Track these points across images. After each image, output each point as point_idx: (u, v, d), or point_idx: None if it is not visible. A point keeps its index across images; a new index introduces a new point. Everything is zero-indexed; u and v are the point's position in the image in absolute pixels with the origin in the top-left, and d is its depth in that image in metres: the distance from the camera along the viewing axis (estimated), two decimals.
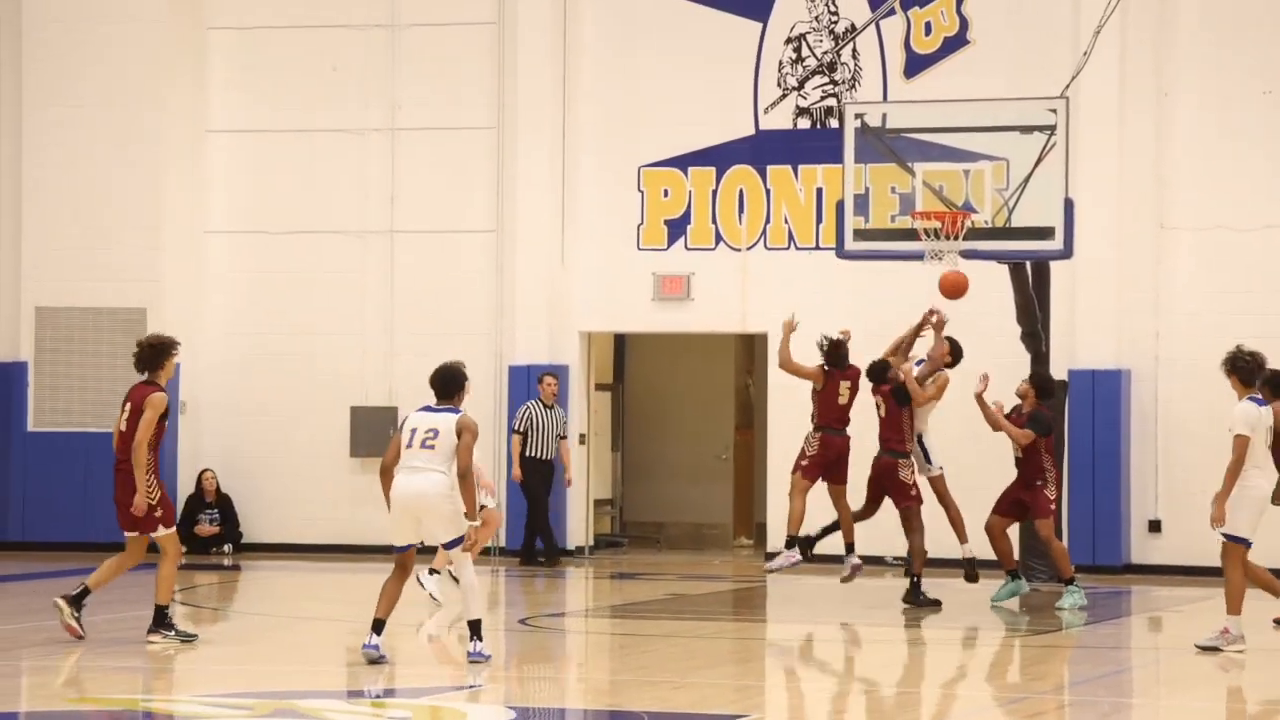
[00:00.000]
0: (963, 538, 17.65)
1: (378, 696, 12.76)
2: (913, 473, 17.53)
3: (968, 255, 19.13)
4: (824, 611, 17.80)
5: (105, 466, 22.82)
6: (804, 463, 17.49)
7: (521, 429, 21.53)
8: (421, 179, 23.10)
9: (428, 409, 13.93)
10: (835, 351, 17.82)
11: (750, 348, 24.35)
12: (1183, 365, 21.19)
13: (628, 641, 16.07)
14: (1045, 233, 19.25)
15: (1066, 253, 19.47)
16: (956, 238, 18.83)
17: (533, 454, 21.51)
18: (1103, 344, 21.23)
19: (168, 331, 22.82)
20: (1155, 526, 21.12)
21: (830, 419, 17.49)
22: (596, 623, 17.29)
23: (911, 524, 17.48)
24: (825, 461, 17.46)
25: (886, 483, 17.50)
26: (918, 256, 19.19)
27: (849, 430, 17.60)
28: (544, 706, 12.47)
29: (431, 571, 17.14)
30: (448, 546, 13.77)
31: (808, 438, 17.62)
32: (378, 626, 13.70)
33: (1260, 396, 14.74)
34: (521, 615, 17.09)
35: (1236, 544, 14.35)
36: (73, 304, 23.09)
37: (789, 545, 17.65)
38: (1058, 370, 20.63)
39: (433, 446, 13.61)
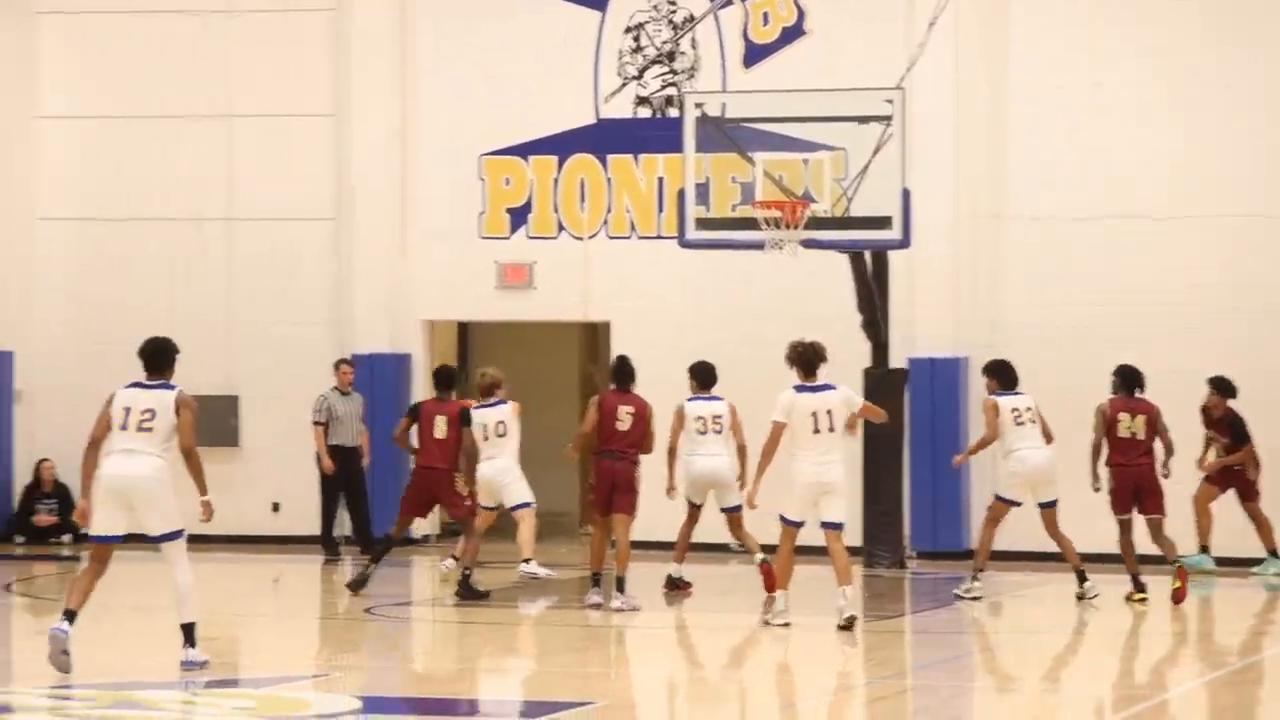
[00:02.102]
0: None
1: (220, 686, 12.67)
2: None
3: (807, 244, 19.31)
4: (669, 598, 17.86)
5: None
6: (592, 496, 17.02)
7: (323, 419, 21.12)
8: (259, 166, 22.91)
9: (139, 385, 13.14)
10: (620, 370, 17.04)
11: (594, 336, 24.39)
12: (1019, 351, 21.46)
13: (473, 629, 16.05)
14: (883, 222, 19.47)
15: (904, 242, 19.70)
16: (796, 227, 18.99)
17: (339, 442, 21.14)
18: (941, 332, 21.49)
19: (0, 319, 22.65)
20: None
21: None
22: (443, 611, 17.26)
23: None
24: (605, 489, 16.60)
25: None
26: (759, 245, 19.33)
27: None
28: (389, 695, 12.44)
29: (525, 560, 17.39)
30: (159, 540, 12.98)
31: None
32: (70, 616, 12.83)
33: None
34: (367, 605, 17.01)
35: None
36: None
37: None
38: (897, 359, 20.85)
39: (150, 429, 12.86)
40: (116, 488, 12.91)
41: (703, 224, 19.70)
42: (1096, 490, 17.32)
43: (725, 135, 19.47)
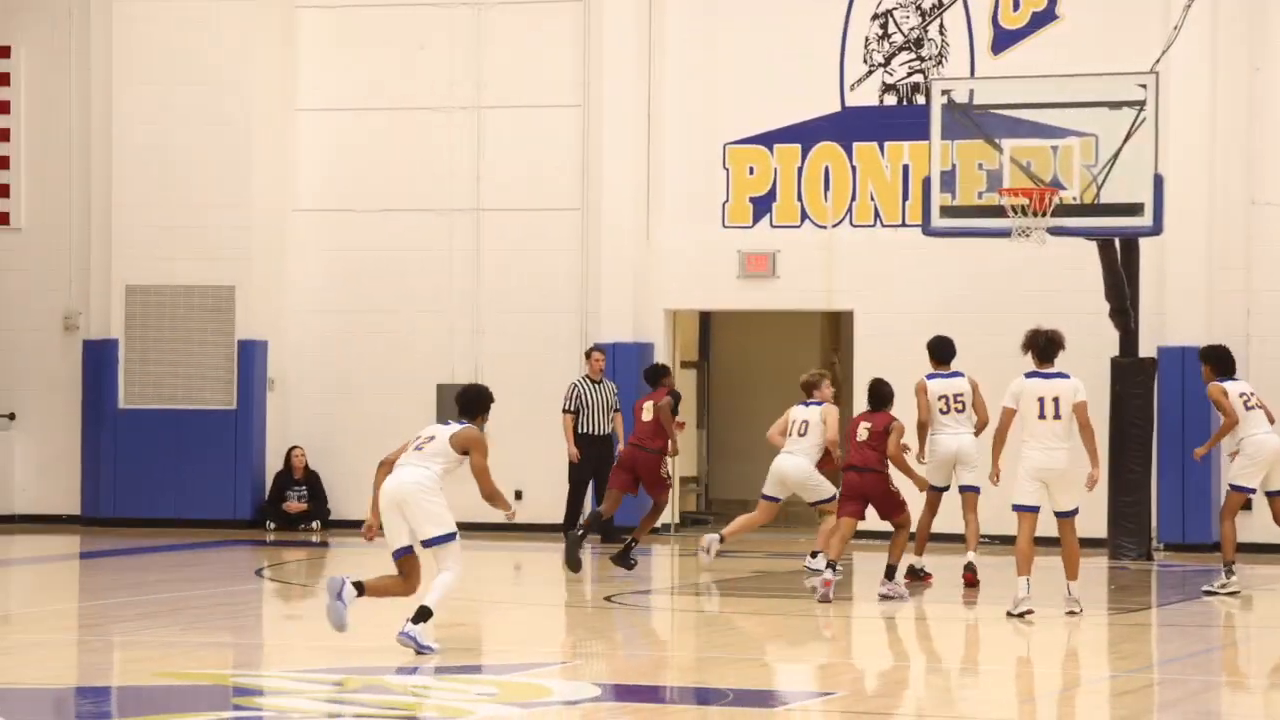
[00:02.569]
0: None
1: (463, 672, 12.82)
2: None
3: (1055, 232, 19.06)
4: (910, 588, 17.72)
5: (194, 443, 23.13)
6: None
7: (572, 408, 21.26)
8: (507, 157, 23.14)
9: (444, 421, 13.92)
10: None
11: (836, 325, 24.29)
12: (1274, 342, 21.00)
13: (713, 619, 16.07)
14: (1135, 209, 19.14)
15: (1156, 229, 19.34)
16: (1044, 214, 18.75)
17: (586, 431, 21.28)
18: (1193, 321, 21.07)
19: (253, 309, 23.15)
20: (1246, 504, 20.94)
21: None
22: (682, 600, 17.30)
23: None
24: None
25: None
26: (1004, 234, 19.11)
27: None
28: (629, 683, 12.48)
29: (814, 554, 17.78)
30: (429, 544, 13.27)
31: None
32: (358, 587, 13.18)
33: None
34: (608, 593, 17.11)
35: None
36: (162, 281, 23.27)
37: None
38: (1147, 348, 20.50)
39: (422, 449, 13.54)
40: (387, 496, 13.50)
41: (948, 212, 19.52)
42: None
43: (972, 122, 19.28)
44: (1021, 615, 15.11)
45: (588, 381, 21.35)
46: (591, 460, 21.11)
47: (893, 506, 16.57)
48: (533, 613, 16.70)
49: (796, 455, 17.57)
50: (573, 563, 17.94)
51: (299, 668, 12.79)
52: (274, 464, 23.32)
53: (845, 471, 16.76)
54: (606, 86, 22.74)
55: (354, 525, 23.11)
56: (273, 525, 23.04)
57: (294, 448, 23.23)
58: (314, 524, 23.04)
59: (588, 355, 21.62)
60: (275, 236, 23.49)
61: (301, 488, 23.17)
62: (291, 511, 23.04)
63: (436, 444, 13.55)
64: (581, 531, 18.33)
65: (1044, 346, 15.43)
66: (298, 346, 23.46)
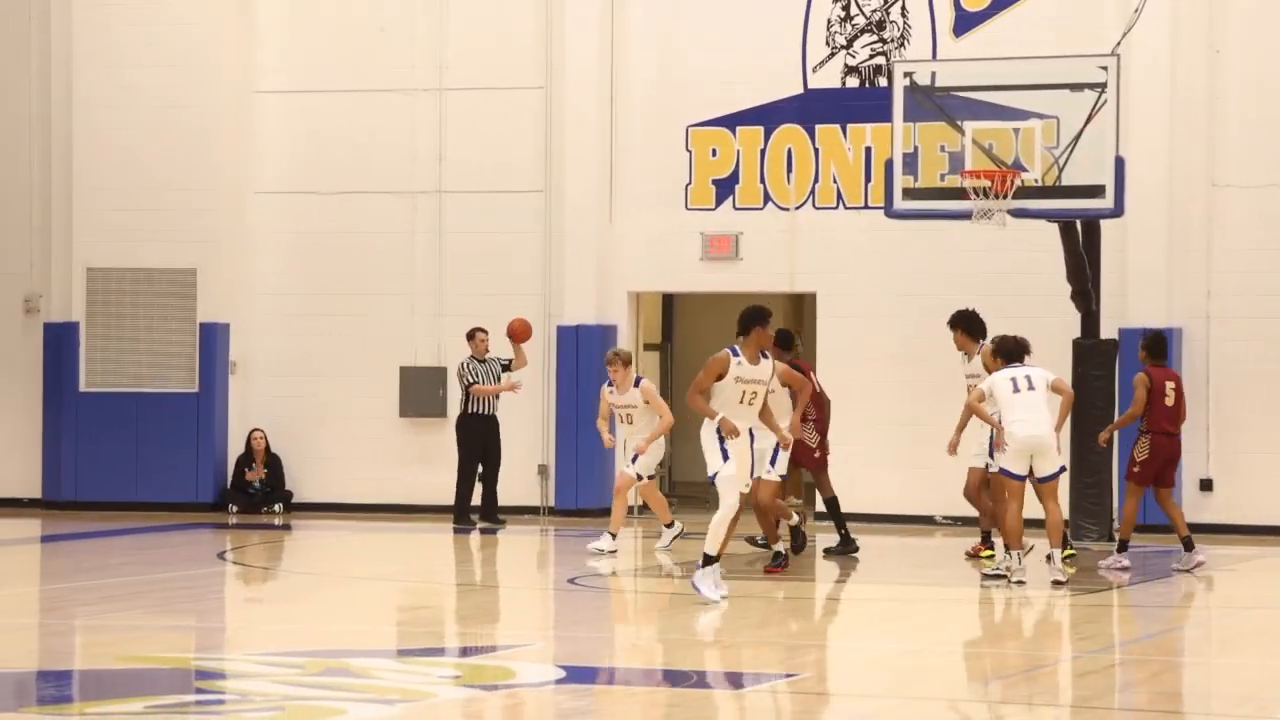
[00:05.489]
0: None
1: (429, 655, 12.81)
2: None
3: (1017, 214, 19.08)
4: (874, 572, 17.76)
5: (156, 426, 23.05)
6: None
7: (476, 380, 21.49)
8: (469, 139, 23.09)
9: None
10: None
11: (799, 307, 24.31)
12: (1234, 324, 21.08)
13: (676, 601, 16.08)
14: (1096, 191, 19.18)
15: (1117, 211, 19.38)
16: (1006, 196, 18.78)
17: (474, 410, 21.44)
18: (1154, 303, 21.13)
19: (215, 292, 23.08)
20: (1207, 485, 21.05)
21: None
22: (646, 582, 17.31)
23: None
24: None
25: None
26: (966, 215, 19.13)
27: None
28: (593, 665, 12.48)
29: None
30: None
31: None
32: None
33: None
34: (570, 575, 17.11)
35: None
36: (123, 264, 23.19)
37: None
38: (1108, 329, 20.56)
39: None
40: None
41: (910, 194, 19.54)
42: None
43: (934, 104, 19.29)
44: (1019, 583, 15.81)
45: (474, 361, 21.50)
46: (479, 438, 21.32)
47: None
48: (497, 595, 16.69)
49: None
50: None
51: (261, 650, 12.77)
52: (236, 447, 23.27)
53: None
54: (569, 68, 22.70)
55: (314, 508, 23.13)
56: (235, 508, 22.99)
57: (254, 430, 23.18)
58: (275, 506, 22.99)
59: (470, 336, 21.63)
60: (237, 219, 23.41)
61: (262, 470, 23.10)
62: (249, 479, 22.95)
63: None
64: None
65: (1013, 351, 16.30)
66: (260, 329, 23.39)
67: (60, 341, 23.30)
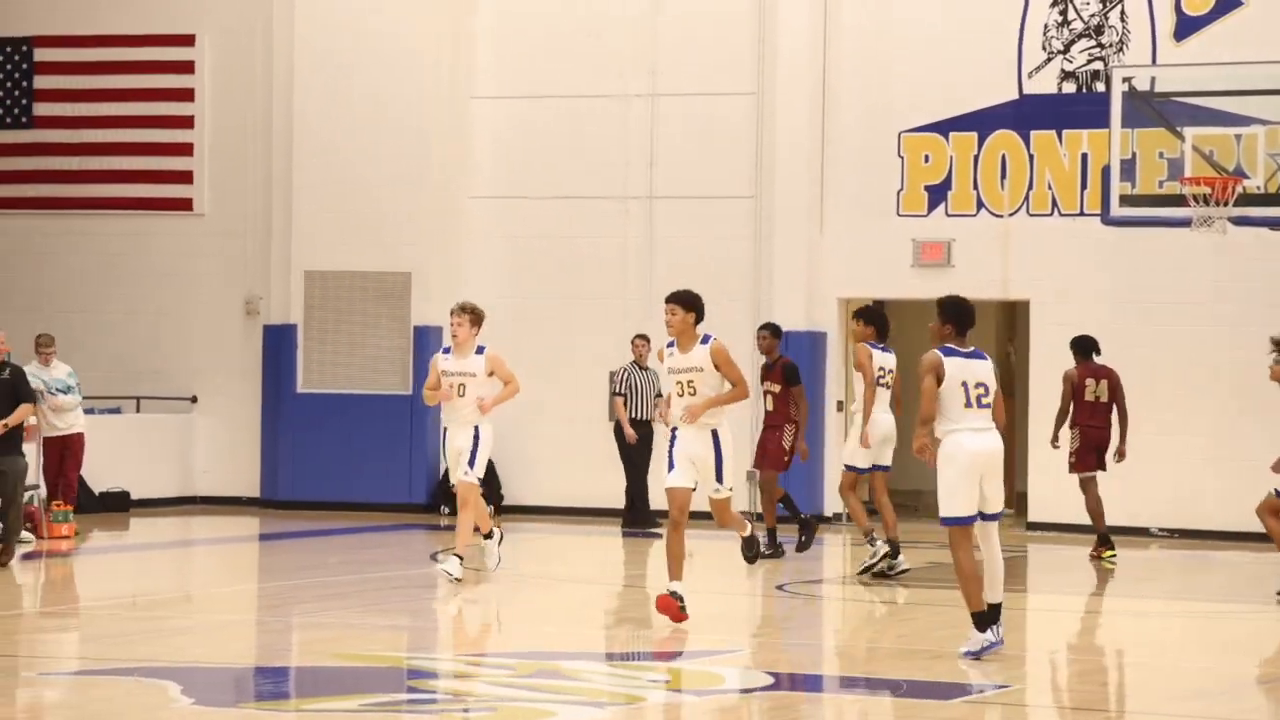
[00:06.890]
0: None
1: (638, 659, 12.85)
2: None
3: (1238, 221, 18.80)
4: (1085, 583, 17.55)
5: (370, 428, 23.36)
6: None
7: (622, 391, 21.70)
8: (681, 145, 23.16)
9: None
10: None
11: (1012, 315, 24.06)
12: None
13: (886, 609, 15.99)
14: None
15: None
16: (1226, 204, 18.52)
17: (632, 415, 21.65)
18: None
19: (430, 295, 23.34)
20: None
21: None
22: (854, 590, 17.23)
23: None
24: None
25: None
26: (1185, 223, 18.89)
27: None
28: (802, 673, 12.46)
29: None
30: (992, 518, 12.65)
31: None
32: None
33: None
34: (779, 581, 17.07)
35: None
36: (340, 267, 23.54)
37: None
38: None
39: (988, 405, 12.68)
40: (980, 463, 12.61)
41: (1128, 201, 19.35)
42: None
43: (1153, 110, 19.06)
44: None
45: (635, 367, 21.73)
46: (627, 443, 21.70)
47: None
48: (704, 600, 16.71)
49: None
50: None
51: (473, 651, 12.88)
52: None
53: None
54: (780, 74, 22.67)
55: (525, 510, 23.30)
56: (447, 510, 23.22)
57: None
58: (488, 509, 23.14)
59: (632, 342, 21.91)
60: (451, 223, 23.67)
61: None
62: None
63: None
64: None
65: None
66: None
67: (279, 344, 23.71)
